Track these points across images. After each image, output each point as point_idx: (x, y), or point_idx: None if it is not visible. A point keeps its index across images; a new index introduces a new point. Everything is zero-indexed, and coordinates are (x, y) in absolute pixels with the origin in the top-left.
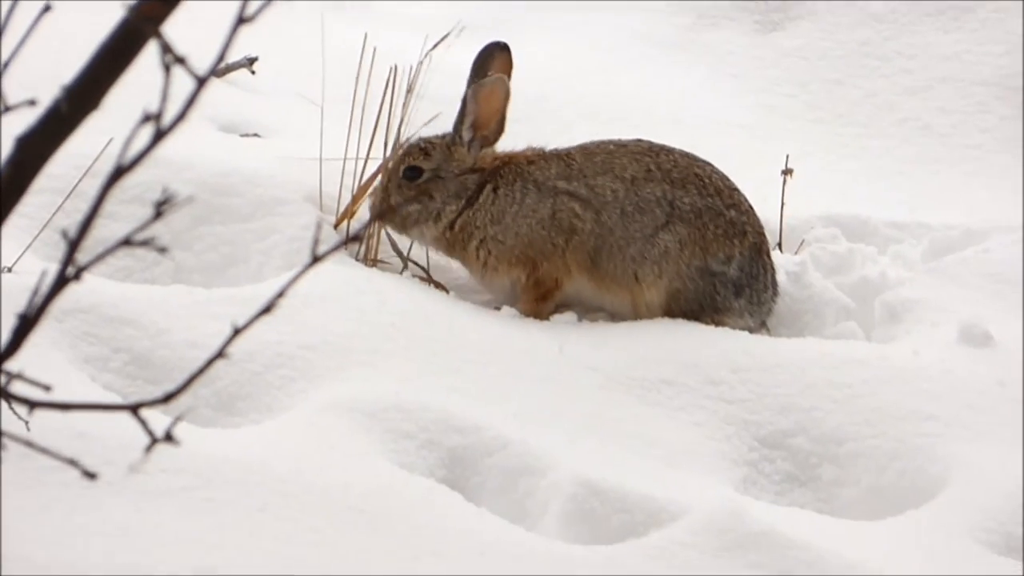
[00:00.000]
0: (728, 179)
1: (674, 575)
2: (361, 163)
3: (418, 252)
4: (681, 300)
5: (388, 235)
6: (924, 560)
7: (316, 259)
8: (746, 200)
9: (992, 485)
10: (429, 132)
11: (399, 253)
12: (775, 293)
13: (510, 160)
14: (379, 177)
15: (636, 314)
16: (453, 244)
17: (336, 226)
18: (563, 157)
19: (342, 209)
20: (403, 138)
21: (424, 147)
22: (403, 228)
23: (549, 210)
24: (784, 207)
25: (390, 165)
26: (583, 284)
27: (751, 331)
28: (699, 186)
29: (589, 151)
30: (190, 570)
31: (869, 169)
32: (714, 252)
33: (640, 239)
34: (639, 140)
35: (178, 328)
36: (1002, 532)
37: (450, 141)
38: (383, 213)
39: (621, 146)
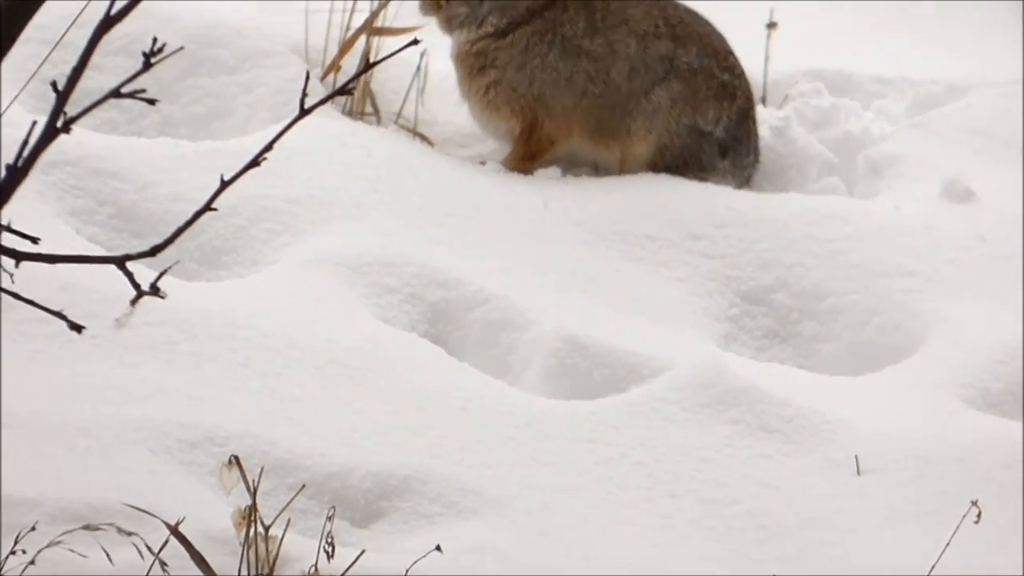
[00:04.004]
0: (726, 41)
1: (655, 430)
2: (348, 14)
3: (399, 102)
4: (667, 155)
5: (369, 90)
6: (903, 415)
7: (304, 111)
8: (740, 64)
9: (971, 341)
10: None
11: (374, 107)
12: (756, 160)
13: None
14: (366, 28)
15: (623, 168)
16: (472, 65)
17: (323, 79)
18: (589, 3)
19: (328, 61)
20: None
21: None
22: (448, 28)
23: (569, 72)
24: (768, 61)
25: None
26: (580, 143)
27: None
28: (699, 46)
29: None
30: (173, 424)
31: (853, 23)
32: (703, 112)
33: (639, 94)
34: None
35: (164, 181)
36: (980, 388)
37: None
38: (431, 4)
39: None
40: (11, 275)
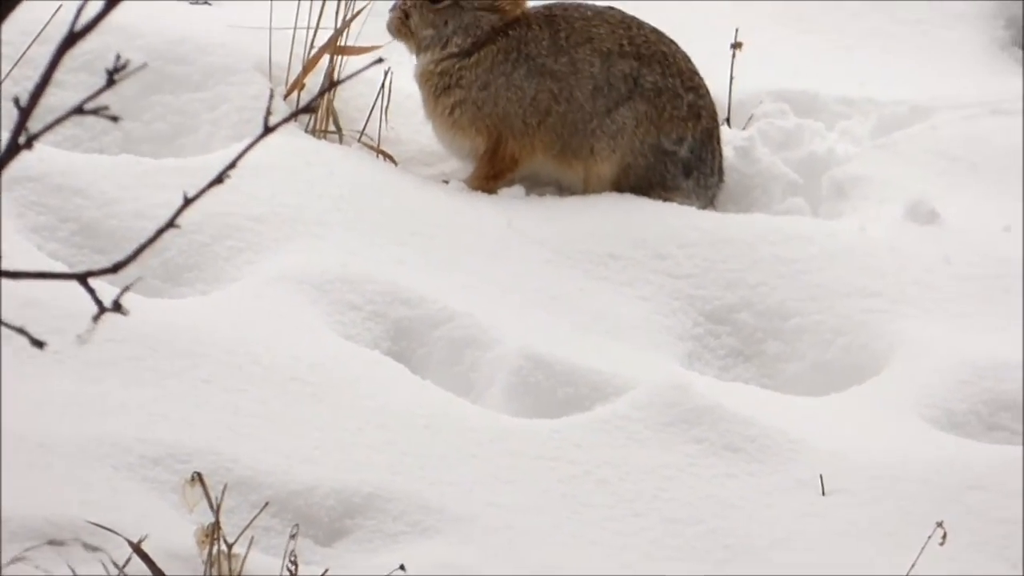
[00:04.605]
0: (691, 61)
1: (619, 449)
2: (312, 32)
3: (362, 121)
4: (631, 175)
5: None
6: (867, 435)
7: (268, 129)
8: (705, 84)
9: (936, 362)
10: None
11: (338, 125)
12: (720, 180)
13: (522, 18)
14: (330, 46)
15: (586, 187)
16: (436, 85)
17: (286, 97)
18: (554, 22)
19: (292, 79)
20: (352, 9)
21: None
22: (417, 50)
23: (533, 91)
24: (733, 81)
25: None
26: (544, 162)
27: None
28: (664, 65)
29: (570, 17)
30: (135, 440)
31: (819, 44)
32: (668, 131)
33: (602, 113)
34: (611, 7)
35: (126, 198)
36: (944, 408)
37: None
38: (399, 30)
39: (598, 13)
40: None
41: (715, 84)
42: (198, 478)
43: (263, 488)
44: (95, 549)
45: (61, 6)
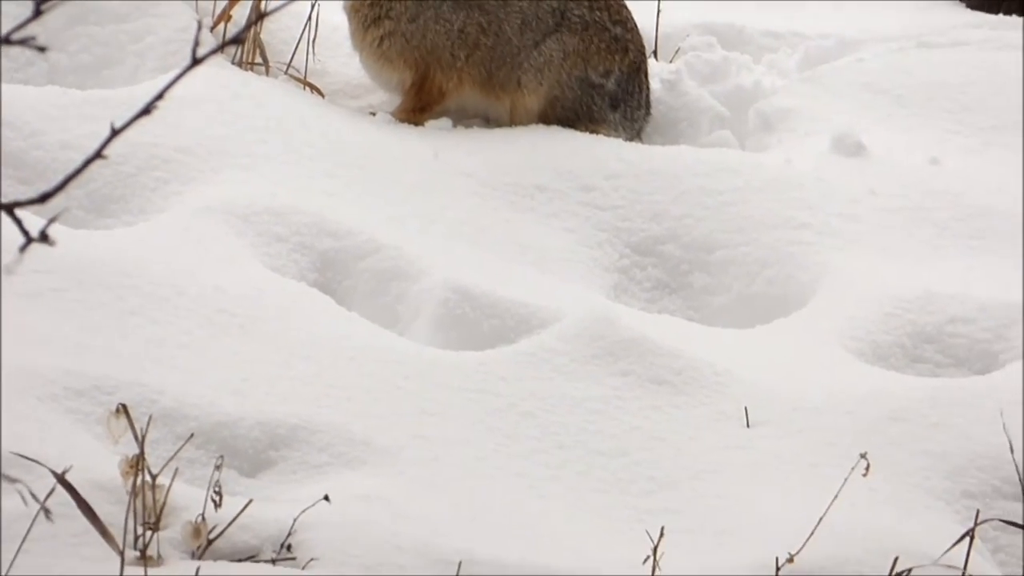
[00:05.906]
0: None
1: (544, 381)
2: None
3: (289, 53)
4: (558, 107)
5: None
6: (792, 368)
7: (196, 61)
8: (632, 18)
9: (861, 294)
10: None
11: (264, 57)
12: (647, 113)
13: None
14: None
15: (513, 119)
16: (366, 16)
17: (213, 28)
18: None
19: (219, 11)
20: None
21: None
22: None
23: (461, 23)
24: (660, 14)
25: None
26: (471, 95)
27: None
28: None
29: None
30: (60, 372)
31: None
32: (595, 65)
33: (530, 46)
34: None
35: (52, 129)
36: (869, 340)
37: None
38: None
39: None
40: None
41: (642, 17)
42: (123, 409)
43: (188, 420)
44: (15, 481)
45: None
